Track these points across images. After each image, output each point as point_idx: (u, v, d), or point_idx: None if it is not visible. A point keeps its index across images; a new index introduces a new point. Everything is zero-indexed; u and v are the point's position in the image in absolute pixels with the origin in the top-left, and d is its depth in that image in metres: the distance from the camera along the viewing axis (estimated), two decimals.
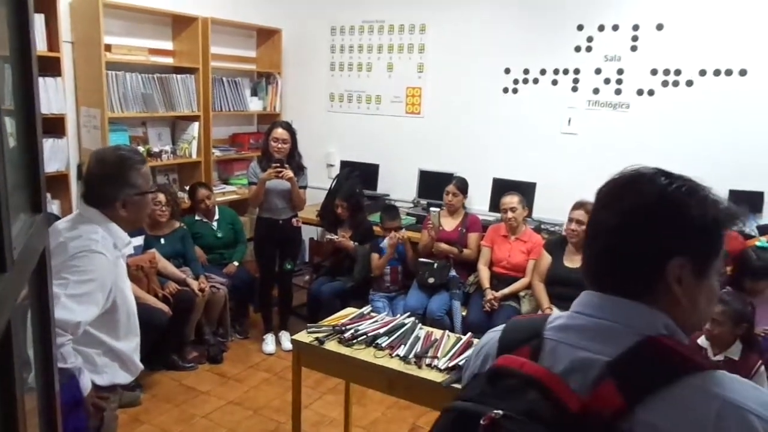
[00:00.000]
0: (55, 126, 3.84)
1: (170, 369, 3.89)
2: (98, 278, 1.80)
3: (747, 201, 3.89)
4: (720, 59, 3.93)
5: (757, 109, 3.84)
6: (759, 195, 3.87)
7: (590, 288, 0.92)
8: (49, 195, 3.89)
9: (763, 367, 2.71)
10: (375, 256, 4.28)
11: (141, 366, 2.11)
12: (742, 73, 3.87)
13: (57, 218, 3.56)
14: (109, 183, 1.91)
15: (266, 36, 5.47)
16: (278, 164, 3.93)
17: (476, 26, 4.73)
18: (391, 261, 4.24)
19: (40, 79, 3.57)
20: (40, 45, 3.64)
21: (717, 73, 3.95)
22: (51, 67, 3.73)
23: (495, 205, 4.58)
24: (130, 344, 2.02)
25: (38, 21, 3.61)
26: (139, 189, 1.96)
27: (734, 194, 3.92)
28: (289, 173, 3.96)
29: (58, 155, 3.86)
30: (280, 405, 3.54)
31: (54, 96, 3.74)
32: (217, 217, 4.51)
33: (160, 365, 3.87)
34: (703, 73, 3.99)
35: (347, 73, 5.43)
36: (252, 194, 4.15)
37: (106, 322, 1.90)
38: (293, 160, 4.11)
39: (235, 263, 4.47)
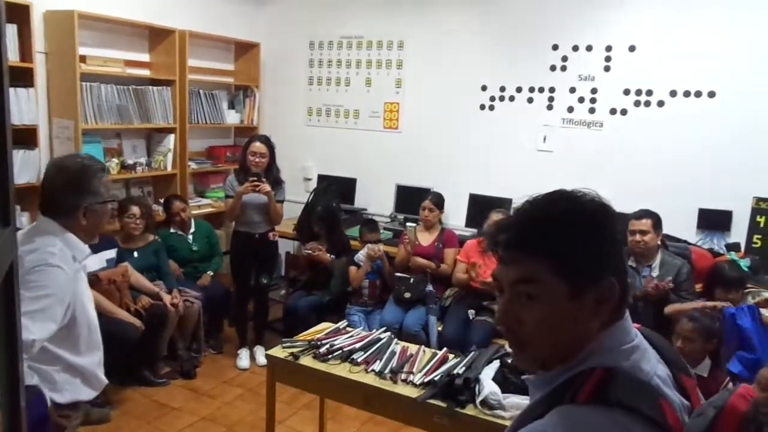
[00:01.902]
0: (27, 137, 3.77)
1: (142, 385, 3.81)
2: (55, 293, 1.74)
3: (716, 220, 3.99)
4: (690, 81, 4.03)
5: (725, 129, 3.94)
6: (727, 214, 3.96)
7: (623, 319, 0.93)
8: (18, 207, 3.82)
9: (731, 384, 2.76)
10: (353, 269, 4.27)
11: (105, 380, 2.05)
12: (711, 94, 3.98)
13: None
14: (71, 192, 1.86)
15: (244, 49, 5.47)
16: (255, 178, 3.92)
17: (454, 43, 4.79)
18: (370, 275, 4.24)
19: (12, 90, 3.53)
20: (13, 55, 3.59)
21: (687, 94, 4.05)
22: (23, 77, 3.67)
23: (471, 221, 4.62)
24: (93, 359, 1.97)
25: (11, 31, 3.56)
26: (101, 197, 1.92)
27: (703, 213, 4.03)
28: (266, 187, 3.94)
29: (30, 167, 3.79)
30: (254, 421, 3.49)
31: (26, 107, 3.68)
32: (192, 230, 4.47)
33: (132, 381, 3.80)
34: (673, 93, 4.09)
35: (325, 88, 5.45)
36: (229, 207, 4.12)
37: (66, 338, 1.84)
38: (271, 174, 4.10)
39: (210, 273, 4.41)
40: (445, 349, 2.82)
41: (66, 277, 1.78)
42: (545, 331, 0.90)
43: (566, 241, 0.88)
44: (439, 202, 4.30)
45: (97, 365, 1.99)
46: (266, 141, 4.11)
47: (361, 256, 4.22)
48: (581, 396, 0.84)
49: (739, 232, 3.93)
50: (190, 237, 4.44)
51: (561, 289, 0.87)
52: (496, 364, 2.50)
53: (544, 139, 4.54)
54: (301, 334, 2.90)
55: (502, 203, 4.34)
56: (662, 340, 1.01)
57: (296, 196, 5.19)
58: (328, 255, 4.32)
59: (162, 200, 4.69)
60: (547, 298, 0.88)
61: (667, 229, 3.70)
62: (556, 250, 0.88)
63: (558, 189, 0.96)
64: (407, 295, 4.07)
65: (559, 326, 0.89)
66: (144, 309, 3.73)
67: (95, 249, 3.60)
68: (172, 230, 4.39)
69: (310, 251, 4.31)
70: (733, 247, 3.86)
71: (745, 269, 3.54)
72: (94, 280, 3.51)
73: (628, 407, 0.81)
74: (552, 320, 0.89)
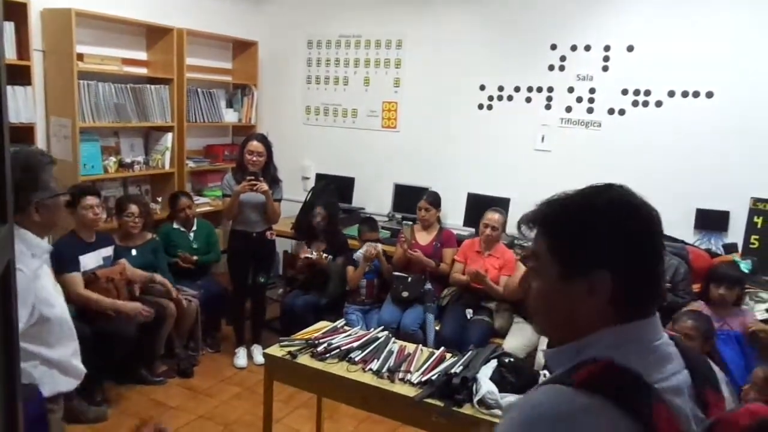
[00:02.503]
0: (24, 135, 3.76)
1: (139, 383, 3.81)
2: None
3: (713, 220, 4.00)
4: (688, 81, 4.03)
5: (723, 130, 3.94)
6: (724, 214, 3.97)
7: (646, 319, 0.93)
8: None
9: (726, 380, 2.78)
10: (350, 269, 4.27)
11: (83, 369, 2.06)
12: (709, 95, 3.98)
13: None
14: (20, 188, 1.80)
15: (242, 48, 5.46)
16: (253, 177, 3.91)
17: (452, 42, 4.79)
18: (368, 274, 4.23)
19: (10, 88, 3.52)
20: (10, 53, 3.58)
21: (685, 94, 4.06)
22: (21, 75, 3.67)
23: (470, 220, 4.62)
24: (67, 350, 1.97)
25: (8, 28, 3.55)
26: (52, 191, 1.89)
27: (701, 213, 4.03)
28: (264, 186, 3.93)
29: None
30: (251, 420, 3.49)
31: (23, 105, 3.67)
32: (194, 228, 4.46)
33: (129, 379, 3.80)
34: (671, 94, 4.10)
35: (324, 87, 5.44)
36: (226, 207, 4.11)
37: (37, 335, 1.85)
38: (268, 172, 4.09)
39: (195, 258, 4.34)
40: (442, 348, 2.82)
41: (25, 278, 1.75)
42: (541, 303, 0.98)
43: (564, 226, 0.94)
44: (435, 201, 4.29)
45: (72, 355, 1.99)
46: (263, 139, 4.10)
47: (359, 254, 4.22)
48: (575, 379, 0.85)
49: (736, 233, 3.94)
50: (192, 234, 4.43)
51: (554, 269, 0.93)
52: (493, 363, 2.50)
53: (542, 138, 4.54)
54: (298, 333, 2.90)
55: (501, 202, 4.35)
56: (698, 354, 1.01)
57: (294, 195, 5.19)
58: (324, 256, 4.31)
59: (159, 199, 4.69)
60: (542, 275, 0.96)
61: (664, 229, 3.70)
62: (553, 231, 0.95)
63: (608, 182, 0.99)
64: (405, 294, 4.07)
65: (552, 303, 0.95)
66: (140, 294, 3.74)
67: (92, 247, 3.62)
68: (174, 225, 4.39)
69: (308, 256, 4.29)
70: (731, 247, 3.87)
71: (745, 271, 3.53)
72: (93, 278, 3.51)
73: (616, 400, 0.82)
74: (545, 295, 0.96)
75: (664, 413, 0.84)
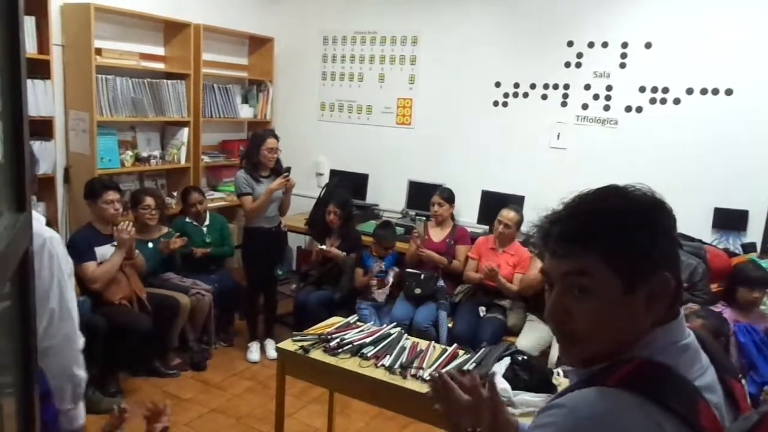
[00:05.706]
0: (43, 128, 3.81)
1: (152, 375, 3.84)
2: None
3: (731, 219, 3.94)
4: (707, 78, 3.98)
5: (742, 127, 3.88)
6: (743, 213, 3.91)
7: (677, 318, 0.92)
8: (34, 197, 3.86)
9: (743, 380, 2.75)
10: (359, 271, 4.26)
11: None
12: (728, 92, 3.92)
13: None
14: None
15: (258, 44, 5.48)
16: (287, 173, 4.05)
17: (468, 39, 4.77)
18: (380, 273, 4.23)
19: (29, 82, 3.56)
20: (30, 47, 3.62)
21: (704, 91, 4.00)
22: (40, 69, 3.71)
23: (484, 218, 4.60)
24: None
25: (28, 23, 3.59)
26: None
27: (719, 212, 3.98)
28: (294, 181, 4.11)
29: (45, 158, 3.83)
30: (263, 414, 3.51)
31: (42, 98, 3.72)
32: (207, 222, 4.49)
33: (143, 371, 3.83)
34: (690, 91, 4.04)
35: (338, 83, 5.45)
36: (258, 205, 4.05)
37: None
38: (278, 166, 4.17)
39: (207, 250, 4.38)
40: (455, 345, 2.81)
41: None
42: (597, 325, 0.89)
43: (620, 236, 0.87)
44: (448, 196, 4.28)
45: None
46: (276, 135, 4.18)
47: (373, 265, 4.21)
48: (610, 380, 0.84)
49: (755, 232, 3.88)
50: (205, 228, 4.46)
51: (614, 283, 0.86)
52: (506, 361, 2.49)
53: (558, 136, 4.50)
54: (311, 328, 2.91)
55: (515, 200, 4.32)
56: (713, 344, 0.99)
57: (308, 190, 5.20)
58: (341, 252, 4.31)
59: (175, 193, 4.72)
60: (599, 292, 0.87)
61: (681, 229, 3.65)
62: (610, 244, 0.87)
63: (610, 184, 0.94)
64: (417, 291, 4.06)
65: (611, 321, 0.88)
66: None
67: (109, 239, 3.65)
68: (187, 219, 4.42)
69: (322, 248, 4.31)
70: (750, 247, 3.82)
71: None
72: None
73: (656, 399, 0.81)
74: (604, 314, 0.88)
75: (705, 410, 0.83)
